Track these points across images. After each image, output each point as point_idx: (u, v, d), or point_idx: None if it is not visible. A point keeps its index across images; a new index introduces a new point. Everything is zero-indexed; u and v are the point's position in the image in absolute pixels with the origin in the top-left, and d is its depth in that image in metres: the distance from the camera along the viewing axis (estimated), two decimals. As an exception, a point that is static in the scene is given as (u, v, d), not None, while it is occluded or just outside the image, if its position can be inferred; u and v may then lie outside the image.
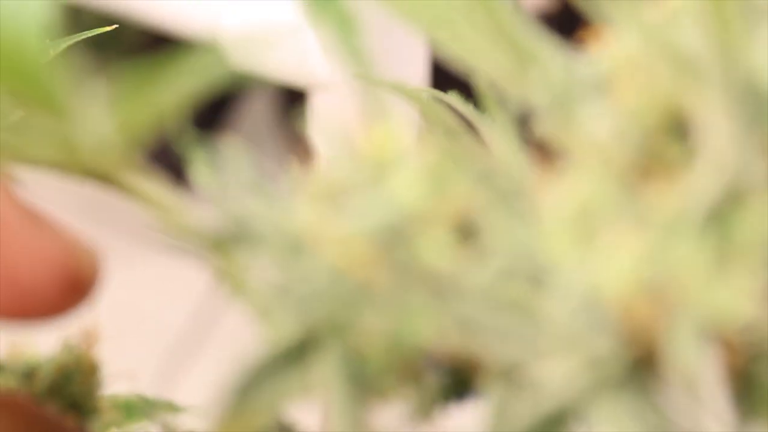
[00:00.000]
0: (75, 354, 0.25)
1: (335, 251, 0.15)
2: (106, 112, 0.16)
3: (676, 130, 0.15)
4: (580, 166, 0.15)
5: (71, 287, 0.17)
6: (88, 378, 0.25)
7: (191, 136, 0.17)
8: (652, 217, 0.14)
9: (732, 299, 0.14)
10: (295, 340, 0.16)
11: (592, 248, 0.14)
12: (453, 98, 0.21)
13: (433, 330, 0.15)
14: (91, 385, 0.25)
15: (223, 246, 0.17)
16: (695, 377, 0.14)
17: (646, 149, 0.15)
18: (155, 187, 0.17)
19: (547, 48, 0.17)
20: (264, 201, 0.17)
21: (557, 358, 0.14)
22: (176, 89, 0.16)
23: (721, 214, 0.14)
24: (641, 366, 0.14)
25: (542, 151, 0.16)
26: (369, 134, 0.16)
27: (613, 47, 0.16)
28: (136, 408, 0.27)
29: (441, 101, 0.21)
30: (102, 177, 0.17)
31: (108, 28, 0.25)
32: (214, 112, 0.91)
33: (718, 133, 0.15)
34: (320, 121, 0.45)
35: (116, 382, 0.27)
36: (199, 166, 0.17)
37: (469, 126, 0.20)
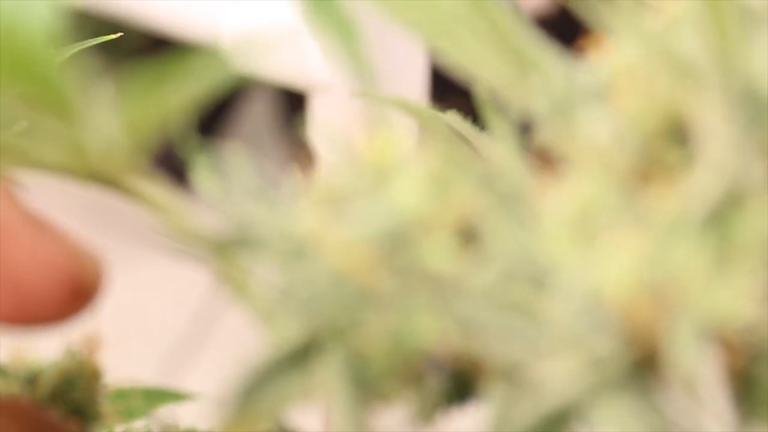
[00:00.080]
0: (77, 359, 0.26)
1: (337, 255, 0.16)
2: (112, 115, 0.16)
3: (676, 134, 0.16)
4: (581, 170, 0.15)
5: (74, 293, 0.17)
6: (91, 383, 0.25)
7: (194, 140, 0.17)
8: (653, 219, 0.15)
9: (732, 300, 0.14)
10: (297, 344, 0.16)
11: (593, 250, 0.15)
12: (452, 108, 0.21)
13: (435, 333, 0.15)
14: (93, 391, 0.25)
15: (226, 250, 0.17)
16: (696, 378, 0.14)
17: (645, 154, 0.15)
18: (159, 190, 0.17)
19: (547, 55, 0.17)
20: (266, 205, 0.17)
21: (559, 359, 0.14)
22: (180, 92, 0.16)
23: (721, 216, 0.14)
24: (642, 367, 0.14)
25: (543, 157, 0.16)
26: (370, 140, 0.16)
27: (613, 55, 0.16)
28: (137, 397, 0.27)
29: (441, 109, 0.21)
30: (107, 180, 0.17)
31: (111, 36, 0.25)
32: (216, 117, 0.91)
33: (718, 136, 0.15)
34: (321, 124, 0.45)
35: (119, 385, 0.27)
36: (202, 171, 0.17)
37: (470, 132, 0.20)
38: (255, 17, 0.47)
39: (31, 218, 0.17)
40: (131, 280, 0.86)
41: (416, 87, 0.50)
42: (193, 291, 0.86)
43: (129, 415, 0.27)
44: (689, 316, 0.14)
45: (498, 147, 0.17)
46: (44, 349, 0.25)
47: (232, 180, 0.17)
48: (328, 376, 0.16)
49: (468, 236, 0.16)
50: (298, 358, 0.16)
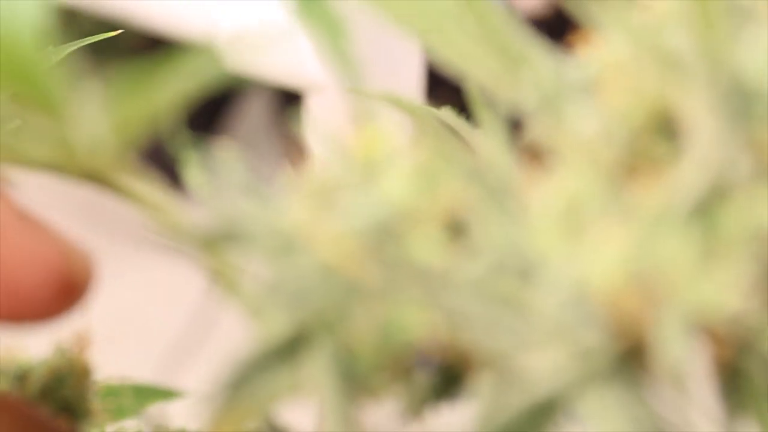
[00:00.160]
0: (67, 357, 0.25)
1: (326, 249, 0.16)
2: (101, 113, 0.16)
3: (663, 129, 0.16)
4: (569, 164, 0.15)
5: (64, 290, 0.17)
6: (81, 381, 0.25)
7: (185, 137, 0.17)
8: (640, 212, 0.15)
9: (718, 292, 0.14)
10: (286, 338, 0.16)
11: (580, 243, 0.15)
12: (443, 103, 0.21)
13: (424, 326, 0.15)
14: (83, 388, 0.25)
15: (216, 246, 0.17)
16: (682, 370, 0.14)
17: (633, 148, 0.15)
18: (149, 188, 0.17)
19: (536, 51, 0.17)
20: (256, 201, 0.17)
21: (546, 350, 0.14)
22: (171, 90, 0.16)
23: (707, 209, 0.14)
24: (629, 359, 0.14)
25: (531, 152, 0.17)
26: (360, 134, 0.16)
27: (602, 50, 0.16)
28: (127, 394, 0.27)
29: (431, 104, 0.21)
30: (97, 178, 0.17)
31: (109, 34, 0.25)
32: (210, 114, 0.91)
33: (704, 130, 0.15)
34: (315, 122, 0.45)
35: (109, 382, 0.27)
36: (193, 168, 0.17)
37: (460, 126, 0.21)
38: (249, 17, 0.48)
39: (22, 215, 0.17)
40: (123, 278, 0.86)
41: (412, 83, 0.50)
42: (186, 288, 0.86)
43: (120, 413, 0.27)
44: (676, 308, 0.14)
45: (487, 141, 0.17)
46: (34, 346, 0.25)
47: (222, 176, 0.17)
48: (317, 370, 0.16)
49: (456, 229, 0.16)
50: (287, 351, 0.16)
